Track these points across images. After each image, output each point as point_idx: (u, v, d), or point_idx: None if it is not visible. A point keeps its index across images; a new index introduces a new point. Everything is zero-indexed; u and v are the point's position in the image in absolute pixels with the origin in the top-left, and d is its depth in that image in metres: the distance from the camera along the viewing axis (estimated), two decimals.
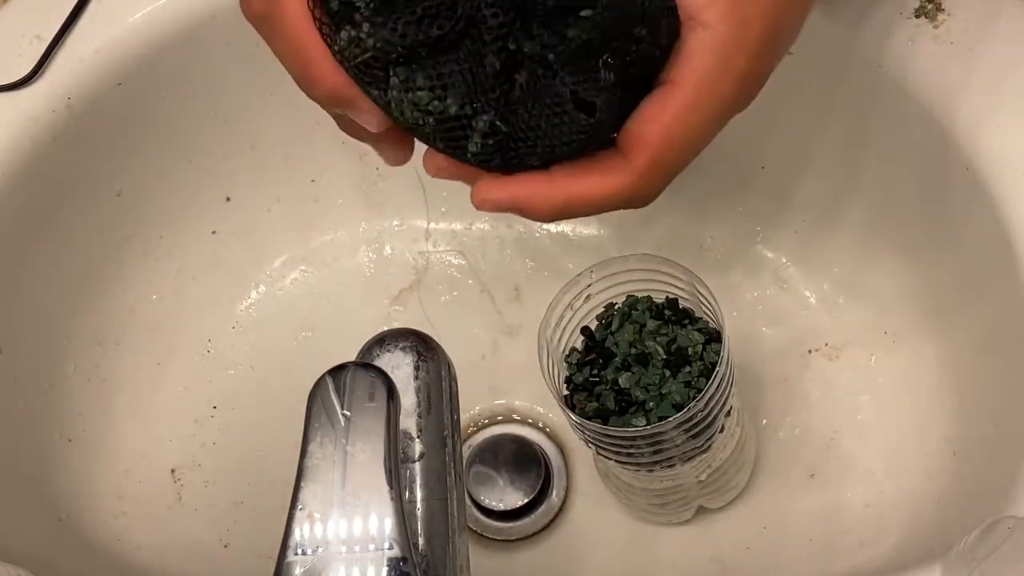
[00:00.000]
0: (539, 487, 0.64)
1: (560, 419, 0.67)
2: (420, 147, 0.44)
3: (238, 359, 0.69)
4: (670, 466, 0.55)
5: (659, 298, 0.56)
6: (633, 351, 0.54)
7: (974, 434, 0.57)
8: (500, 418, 0.68)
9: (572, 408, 0.54)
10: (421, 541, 0.44)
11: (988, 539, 0.41)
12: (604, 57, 0.40)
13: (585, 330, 0.56)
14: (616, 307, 0.56)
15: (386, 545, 0.38)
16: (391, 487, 0.39)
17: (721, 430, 0.55)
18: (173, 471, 0.66)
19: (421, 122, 0.41)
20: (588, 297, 0.56)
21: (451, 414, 0.47)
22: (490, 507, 0.64)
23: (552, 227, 0.70)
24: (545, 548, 0.64)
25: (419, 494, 0.44)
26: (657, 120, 0.40)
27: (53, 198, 0.62)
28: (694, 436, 0.53)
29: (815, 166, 0.64)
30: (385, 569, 0.38)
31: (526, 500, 0.64)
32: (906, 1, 0.56)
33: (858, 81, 0.57)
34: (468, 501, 0.64)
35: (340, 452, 0.39)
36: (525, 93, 0.41)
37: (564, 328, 0.55)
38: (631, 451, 0.53)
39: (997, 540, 0.41)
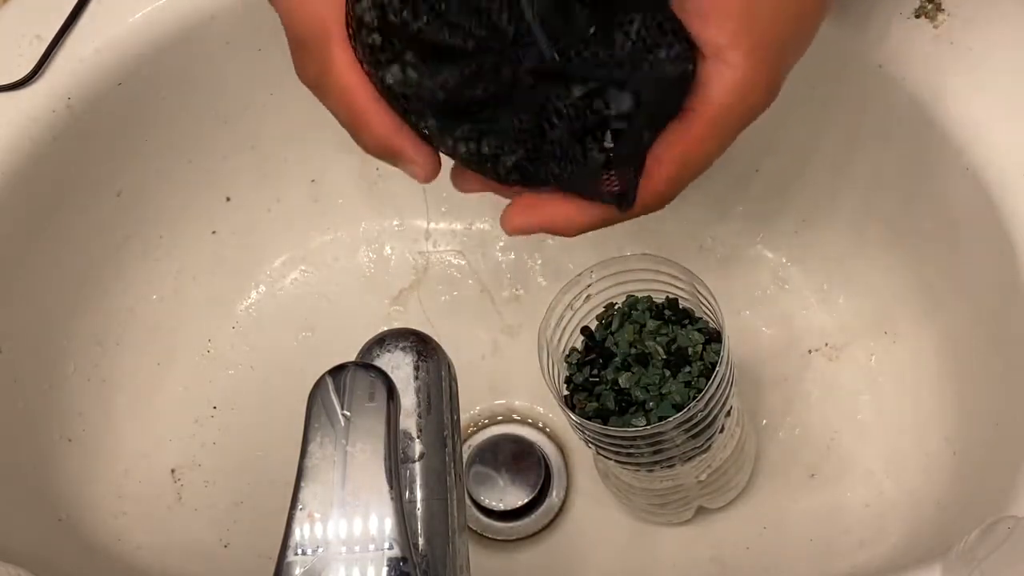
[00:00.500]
0: (539, 487, 0.64)
1: (560, 419, 0.66)
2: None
3: (238, 359, 0.69)
4: (670, 466, 0.55)
5: (659, 298, 0.56)
6: (633, 351, 0.54)
7: (974, 434, 0.56)
8: (500, 418, 0.68)
9: (572, 408, 0.54)
10: (421, 541, 0.43)
11: (988, 539, 0.41)
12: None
13: (585, 330, 0.56)
14: (616, 307, 0.56)
15: (386, 545, 0.38)
16: (391, 487, 0.39)
17: (721, 430, 0.55)
18: (173, 471, 0.66)
19: (451, 152, 0.44)
20: (588, 297, 0.56)
21: (451, 414, 0.47)
22: (490, 507, 0.64)
23: None
24: (545, 548, 0.64)
25: (419, 494, 0.44)
26: (677, 146, 0.44)
27: (53, 198, 0.62)
28: (694, 436, 0.53)
29: (815, 166, 0.64)
30: (385, 569, 0.38)
31: (526, 500, 0.64)
32: (906, 1, 0.56)
33: (858, 81, 0.57)
34: (468, 501, 0.64)
35: (340, 452, 0.39)
36: (554, 145, 0.43)
37: (564, 328, 0.55)
38: (631, 451, 0.53)
39: (997, 540, 0.41)
